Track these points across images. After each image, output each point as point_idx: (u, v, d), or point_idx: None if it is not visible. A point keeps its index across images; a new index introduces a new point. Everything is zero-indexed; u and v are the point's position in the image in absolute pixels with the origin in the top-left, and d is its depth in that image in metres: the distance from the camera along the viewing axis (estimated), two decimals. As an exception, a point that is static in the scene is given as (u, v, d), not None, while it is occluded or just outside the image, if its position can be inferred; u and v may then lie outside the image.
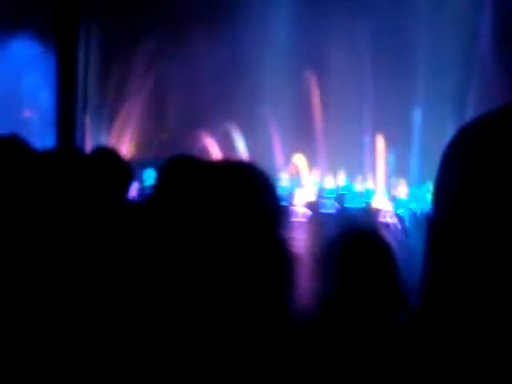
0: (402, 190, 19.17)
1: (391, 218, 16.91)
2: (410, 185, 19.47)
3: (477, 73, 20.46)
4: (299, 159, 20.38)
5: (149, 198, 3.61)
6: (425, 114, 20.42)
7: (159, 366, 1.71)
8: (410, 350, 1.15)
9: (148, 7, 22.17)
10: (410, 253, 13.21)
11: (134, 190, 17.90)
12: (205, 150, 20.27)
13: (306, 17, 20.22)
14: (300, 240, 14.27)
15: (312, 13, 20.17)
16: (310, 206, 17.40)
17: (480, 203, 1.01)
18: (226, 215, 1.76)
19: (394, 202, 18.18)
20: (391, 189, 19.46)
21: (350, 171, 20.85)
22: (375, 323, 2.47)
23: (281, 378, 1.72)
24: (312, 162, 20.88)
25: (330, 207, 17.46)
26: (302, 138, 21.26)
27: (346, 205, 17.96)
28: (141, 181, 19.57)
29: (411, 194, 19.05)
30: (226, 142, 20.84)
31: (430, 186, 19.80)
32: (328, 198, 18.22)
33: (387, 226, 16.54)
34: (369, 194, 19.41)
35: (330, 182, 19.98)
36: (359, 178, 20.56)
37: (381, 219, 17.00)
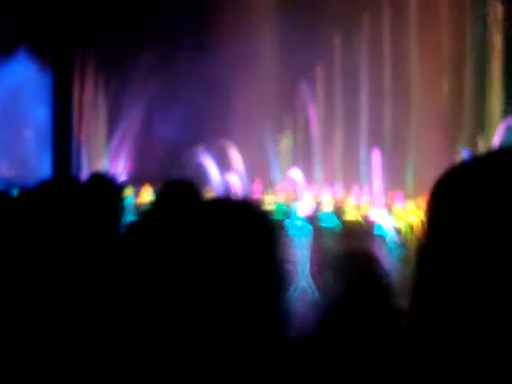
0: (399, 203, 19.17)
1: (388, 230, 16.91)
2: (406, 197, 19.49)
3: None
4: (296, 173, 20.39)
5: (143, 224, 3.63)
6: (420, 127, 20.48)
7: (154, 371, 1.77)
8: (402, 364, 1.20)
9: (143, 25, 22.28)
10: (405, 265, 13.24)
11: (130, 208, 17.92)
12: (201, 166, 20.32)
13: (297, 31, 20.34)
14: (300, 254, 14.31)
15: (303, 25, 20.27)
16: (309, 219, 17.36)
17: (475, 236, 1.13)
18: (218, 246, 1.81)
19: (390, 215, 18.17)
20: (387, 201, 19.46)
21: (346, 184, 20.87)
22: (371, 344, 2.50)
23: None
24: (309, 176, 20.91)
25: (329, 221, 17.46)
26: (299, 151, 21.34)
27: (344, 218, 17.96)
28: (137, 197, 19.59)
29: (408, 207, 19.06)
30: (222, 158, 20.88)
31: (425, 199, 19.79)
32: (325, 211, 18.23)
33: (384, 238, 16.55)
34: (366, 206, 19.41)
35: (327, 196, 19.94)
36: (355, 190, 20.55)
37: (377, 232, 17.01)
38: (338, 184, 20.70)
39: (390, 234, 16.76)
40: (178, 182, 3.96)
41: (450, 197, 1.18)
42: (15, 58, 21.66)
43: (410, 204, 19.13)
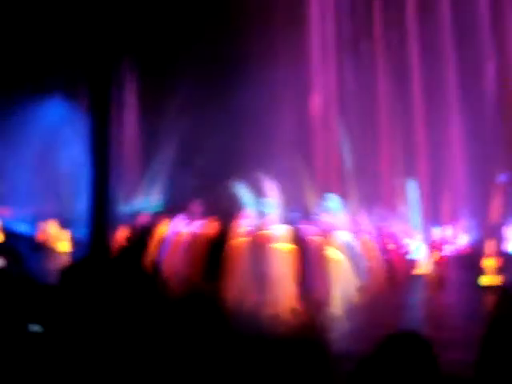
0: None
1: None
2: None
3: None
4: (333, 199, 20.23)
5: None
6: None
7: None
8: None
9: (177, 57, 22.62)
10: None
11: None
12: (237, 196, 20.35)
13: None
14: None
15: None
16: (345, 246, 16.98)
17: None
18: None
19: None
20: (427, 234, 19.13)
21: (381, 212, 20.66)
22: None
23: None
24: (346, 202, 20.75)
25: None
26: (336, 180, 21.27)
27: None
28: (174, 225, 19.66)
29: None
30: (258, 189, 20.89)
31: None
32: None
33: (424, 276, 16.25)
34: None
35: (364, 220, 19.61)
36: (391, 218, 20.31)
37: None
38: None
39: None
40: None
41: None
42: (52, 97, 22.21)
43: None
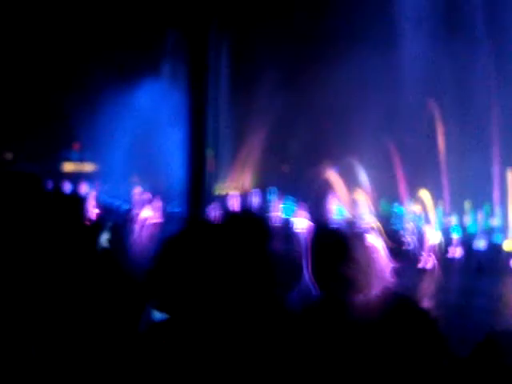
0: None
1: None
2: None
3: None
4: (424, 194, 19.82)
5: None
6: None
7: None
8: None
9: (270, 44, 22.69)
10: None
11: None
12: (327, 182, 20.29)
13: (433, 49, 19.97)
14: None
15: (440, 49, 19.90)
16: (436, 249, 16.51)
17: None
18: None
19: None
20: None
21: (475, 205, 20.10)
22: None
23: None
24: (437, 196, 20.29)
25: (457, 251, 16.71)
26: (427, 170, 20.81)
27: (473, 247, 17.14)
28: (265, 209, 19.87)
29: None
30: (348, 175, 20.74)
31: None
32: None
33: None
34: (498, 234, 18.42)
35: (454, 220, 19.10)
36: (484, 213, 19.69)
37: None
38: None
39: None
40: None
41: None
42: (148, 79, 22.79)
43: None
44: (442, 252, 15.98)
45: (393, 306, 3.10)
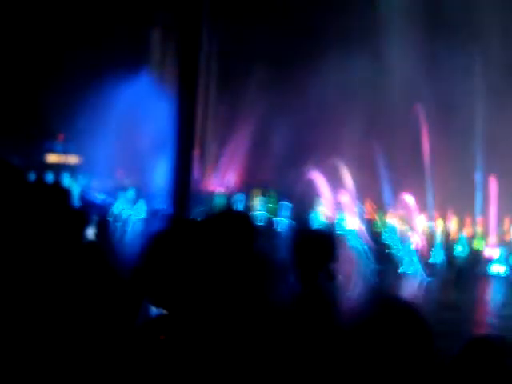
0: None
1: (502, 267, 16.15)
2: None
3: None
4: (408, 198, 19.88)
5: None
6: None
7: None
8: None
9: (256, 40, 22.67)
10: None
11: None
12: (311, 183, 20.31)
13: (419, 55, 20.08)
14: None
15: (427, 50, 19.99)
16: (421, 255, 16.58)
17: None
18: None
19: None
20: (503, 233, 18.64)
21: (459, 212, 20.21)
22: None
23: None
24: (421, 201, 20.38)
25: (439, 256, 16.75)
26: (411, 174, 20.90)
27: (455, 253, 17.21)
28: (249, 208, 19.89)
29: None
30: (332, 176, 20.77)
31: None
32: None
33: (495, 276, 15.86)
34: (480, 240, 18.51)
35: (440, 225, 19.15)
36: (468, 220, 19.81)
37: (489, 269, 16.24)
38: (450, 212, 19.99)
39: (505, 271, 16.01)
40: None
41: None
42: (136, 73, 22.65)
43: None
44: (425, 256, 16.08)
45: (378, 304, 3.10)
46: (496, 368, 2.86)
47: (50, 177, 19.73)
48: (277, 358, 3.03)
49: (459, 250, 17.40)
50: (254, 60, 23.03)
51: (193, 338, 2.72)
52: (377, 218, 19.05)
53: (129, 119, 21.93)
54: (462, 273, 15.58)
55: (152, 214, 18.02)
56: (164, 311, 2.88)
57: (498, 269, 16.17)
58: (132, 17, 23.45)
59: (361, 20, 20.76)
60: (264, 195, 20.77)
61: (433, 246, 16.92)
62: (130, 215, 19.45)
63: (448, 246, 17.23)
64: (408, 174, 20.85)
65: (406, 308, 2.86)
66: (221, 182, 24.59)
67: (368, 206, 20.21)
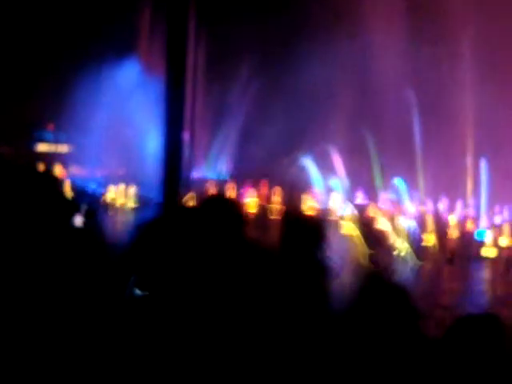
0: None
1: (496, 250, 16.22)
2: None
3: None
4: (399, 182, 19.93)
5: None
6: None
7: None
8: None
9: (245, 28, 22.57)
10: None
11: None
12: (303, 169, 20.30)
13: (410, 40, 20.06)
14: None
15: (416, 36, 19.97)
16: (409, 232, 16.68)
17: None
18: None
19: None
20: (494, 216, 18.72)
21: (450, 195, 20.27)
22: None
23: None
24: (412, 185, 20.44)
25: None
26: (402, 159, 20.92)
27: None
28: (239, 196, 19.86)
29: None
30: (323, 162, 20.78)
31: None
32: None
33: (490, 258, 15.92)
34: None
35: (431, 209, 19.24)
36: (459, 204, 19.88)
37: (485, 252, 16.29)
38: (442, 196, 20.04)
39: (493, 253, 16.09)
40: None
41: None
42: (126, 61, 22.50)
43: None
44: (416, 239, 16.13)
45: (366, 281, 3.16)
46: (483, 345, 2.86)
47: (40, 166, 19.63)
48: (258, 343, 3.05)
49: (451, 233, 17.43)
50: (244, 46, 22.92)
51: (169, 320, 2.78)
52: (368, 203, 19.06)
53: (119, 107, 21.83)
54: (454, 256, 15.64)
55: (143, 202, 17.99)
56: (146, 293, 2.93)
57: (488, 251, 16.26)
58: (119, 2, 23.28)
59: (350, 5, 20.70)
60: (256, 182, 20.75)
61: (424, 230, 16.96)
62: (122, 204, 19.44)
63: (439, 229, 17.27)
64: (399, 158, 20.87)
65: (395, 287, 2.89)
66: (213, 169, 24.56)
67: (359, 192, 20.25)
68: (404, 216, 17.21)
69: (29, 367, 2.85)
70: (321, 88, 21.10)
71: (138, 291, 3.03)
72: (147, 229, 3.76)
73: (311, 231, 3.85)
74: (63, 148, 24.78)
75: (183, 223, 3.80)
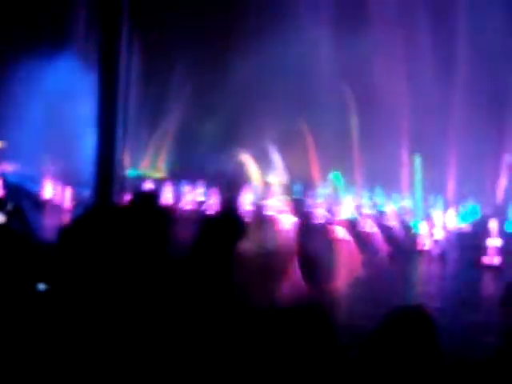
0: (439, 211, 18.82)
1: (427, 236, 16.62)
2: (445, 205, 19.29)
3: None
4: (336, 176, 20.22)
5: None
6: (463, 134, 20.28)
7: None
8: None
9: (180, 29, 22.47)
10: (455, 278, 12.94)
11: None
12: (241, 165, 20.35)
13: (345, 33, 20.27)
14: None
15: (351, 29, 20.19)
16: (349, 224, 17.03)
17: None
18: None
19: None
20: (429, 208, 19.17)
21: (386, 188, 20.68)
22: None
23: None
24: (349, 178, 20.75)
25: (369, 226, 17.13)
26: (340, 153, 21.19)
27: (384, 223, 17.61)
28: (178, 193, 19.75)
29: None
30: (263, 158, 20.87)
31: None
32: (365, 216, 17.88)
33: (425, 250, 16.27)
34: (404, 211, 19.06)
35: (366, 200, 19.72)
36: (395, 196, 20.35)
37: (421, 244, 16.65)
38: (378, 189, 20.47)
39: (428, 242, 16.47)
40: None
41: None
42: (61, 54, 22.04)
43: (450, 211, 18.90)
44: (353, 227, 16.45)
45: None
46: (414, 338, 2.89)
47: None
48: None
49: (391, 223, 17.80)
50: (180, 46, 22.78)
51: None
52: (306, 196, 19.27)
53: (54, 102, 21.39)
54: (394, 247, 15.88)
55: (79, 200, 17.68)
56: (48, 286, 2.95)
57: (424, 243, 16.62)
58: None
59: (282, 3, 20.88)
60: (194, 180, 20.69)
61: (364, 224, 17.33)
62: (58, 202, 19.09)
63: (378, 221, 17.64)
64: (337, 153, 21.13)
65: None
66: (151, 167, 24.35)
67: (297, 186, 20.45)
68: (341, 208, 17.50)
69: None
70: (258, 84, 21.17)
71: (41, 286, 3.04)
72: (69, 229, 3.72)
73: (226, 226, 3.94)
74: (-4, 144, 24.17)
75: (105, 222, 3.77)
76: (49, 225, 13.84)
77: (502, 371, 2.74)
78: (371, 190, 20.49)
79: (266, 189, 19.85)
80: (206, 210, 17.16)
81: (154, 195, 4.86)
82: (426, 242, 16.57)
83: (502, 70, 20.11)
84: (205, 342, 3.21)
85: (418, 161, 20.07)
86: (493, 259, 14.39)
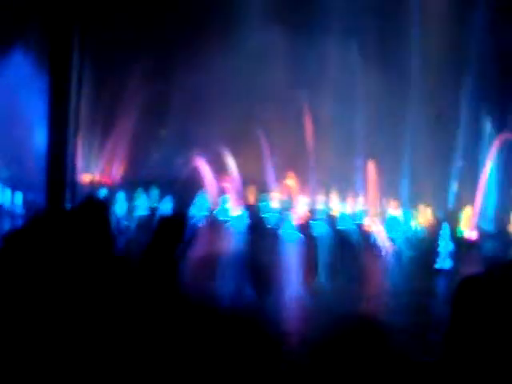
0: (394, 212, 19.15)
1: (383, 239, 16.83)
2: (401, 207, 19.61)
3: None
4: (291, 180, 20.34)
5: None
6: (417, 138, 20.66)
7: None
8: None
9: (141, 27, 22.32)
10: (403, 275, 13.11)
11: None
12: (196, 170, 20.26)
13: (301, 45, 20.50)
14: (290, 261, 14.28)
15: (306, 40, 20.43)
16: (302, 227, 17.26)
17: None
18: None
19: (386, 224, 18.11)
20: (382, 210, 19.49)
21: (341, 192, 20.90)
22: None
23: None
24: (303, 183, 20.90)
25: (322, 229, 17.31)
26: (294, 158, 21.31)
27: (338, 226, 17.80)
28: (131, 200, 19.59)
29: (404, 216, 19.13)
30: (217, 163, 20.83)
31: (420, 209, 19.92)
32: (319, 219, 18.08)
33: (378, 247, 16.48)
34: (360, 215, 19.38)
35: (321, 203, 19.94)
36: (350, 198, 20.63)
37: (372, 241, 16.91)
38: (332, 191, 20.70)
39: (385, 244, 16.69)
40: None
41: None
42: (10, 55, 21.57)
43: (405, 213, 19.24)
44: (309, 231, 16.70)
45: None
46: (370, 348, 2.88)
47: None
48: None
49: (343, 225, 18.00)
50: (135, 50, 22.59)
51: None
52: (259, 201, 19.38)
53: (4, 104, 20.95)
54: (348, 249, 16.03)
55: (29, 206, 17.38)
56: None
57: (378, 245, 16.86)
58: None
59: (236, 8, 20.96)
60: (147, 188, 20.58)
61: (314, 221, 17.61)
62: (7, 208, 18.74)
63: (331, 221, 17.90)
64: (292, 158, 21.23)
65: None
66: (105, 173, 24.04)
67: (250, 191, 20.51)
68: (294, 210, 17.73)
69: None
70: (215, 90, 21.17)
71: None
72: (13, 236, 3.76)
73: (172, 229, 4.00)
74: None
75: (50, 228, 3.79)
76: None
77: (441, 370, 2.76)
78: (326, 193, 20.69)
79: (221, 193, 19.83)
80: (159, 215, 17.05)
81: (103, 202, 4.86)
82: (380, 244, 16.79)
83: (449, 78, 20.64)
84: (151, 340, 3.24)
85: (371, 167, 20.41)
86: (444, 263, 14.62)
